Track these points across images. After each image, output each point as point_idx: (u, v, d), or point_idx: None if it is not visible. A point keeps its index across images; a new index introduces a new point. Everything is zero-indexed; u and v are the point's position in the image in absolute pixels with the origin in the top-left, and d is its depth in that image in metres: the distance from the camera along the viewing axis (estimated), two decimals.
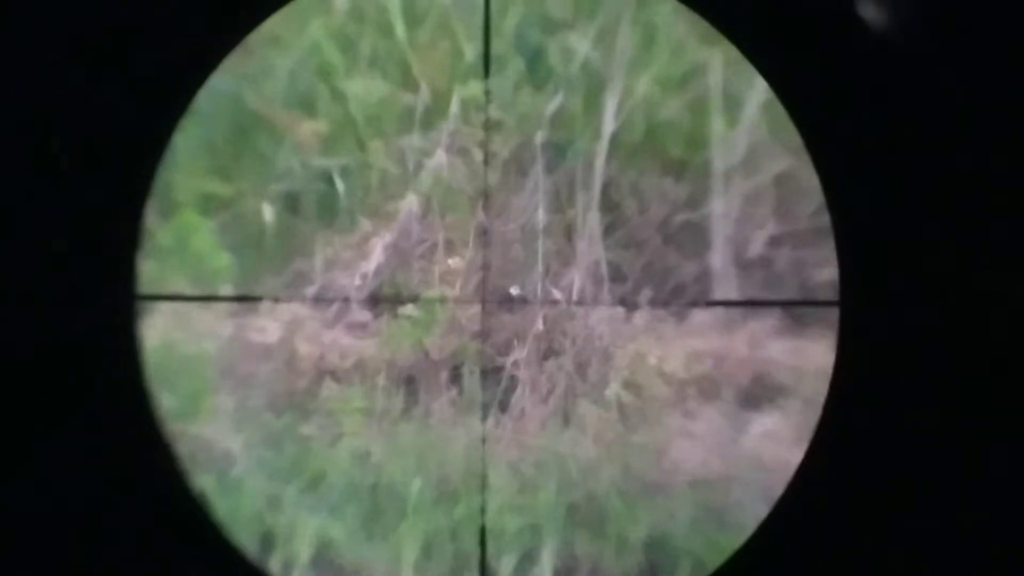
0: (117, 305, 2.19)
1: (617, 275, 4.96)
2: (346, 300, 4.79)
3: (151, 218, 4.88)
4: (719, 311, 4.97)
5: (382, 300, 4.94)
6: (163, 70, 2.11)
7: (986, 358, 2.08)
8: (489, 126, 4.21)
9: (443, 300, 4.65)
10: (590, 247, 4.95)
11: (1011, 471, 2.06)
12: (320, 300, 4.92)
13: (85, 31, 2.12)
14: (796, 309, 4.94)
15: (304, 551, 4.93)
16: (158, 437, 2.23)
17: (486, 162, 3.99)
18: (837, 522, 2.22)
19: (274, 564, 4.95)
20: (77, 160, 2.11)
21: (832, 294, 4.76)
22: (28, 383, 2.10)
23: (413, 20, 5.07)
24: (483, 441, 3.73)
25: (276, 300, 4.94)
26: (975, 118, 2.07)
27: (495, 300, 4.68)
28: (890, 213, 2.14)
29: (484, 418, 3.88)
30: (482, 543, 4.35)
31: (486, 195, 4.08)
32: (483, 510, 4.03)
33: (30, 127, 2.11)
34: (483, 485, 4.06)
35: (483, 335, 4.74)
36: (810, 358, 4.87)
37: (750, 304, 5.07)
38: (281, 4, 2.21)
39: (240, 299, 5.04)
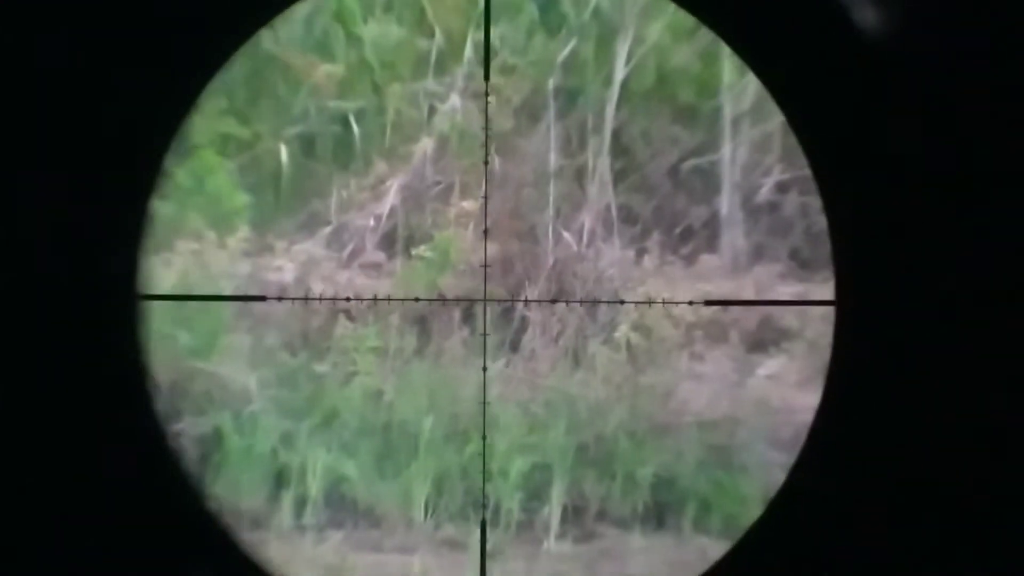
0: (118, 304, 2.23)
1: (627, 218, 5.05)
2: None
3: (169, 159, 4.97)
4: (727, 255, 5.07)
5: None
6: (169, 68, 2.17)
7: (985, 358, 2.14)
8: (490, 74, 4.25)
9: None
10: (600, 191, 5.04)
11: (1010, 471, 2.12)
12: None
13: (86, 30, 2.17)
14: (801, 253, 5.04)
15: (317, 488, 5.02)
16: (159, 437, 2.27)
17: (486, 123, 4.04)
18: (830, 525, 2.29)
19: (287, 500, 5.05)
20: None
21: None
22: (27, 382, 2.15)
23: None
24: (483, 387, 3.80)
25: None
26: (974, 116, 2.13)
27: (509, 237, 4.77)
28: (887, 212, 2.19)
29: (484, 401, 3.95)
30: (483, 490, 4.46)
31: (487, 141, 4.13)
32: (484, 453, 4.14)
33: (31, 125, 2.16)
34: (484, 423, 4.14)
35: (496, 275, 4.82)
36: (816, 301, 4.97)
37: (749, 304, 5.17)
38: None
39: (244, 299, 5.12)
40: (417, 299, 4.98)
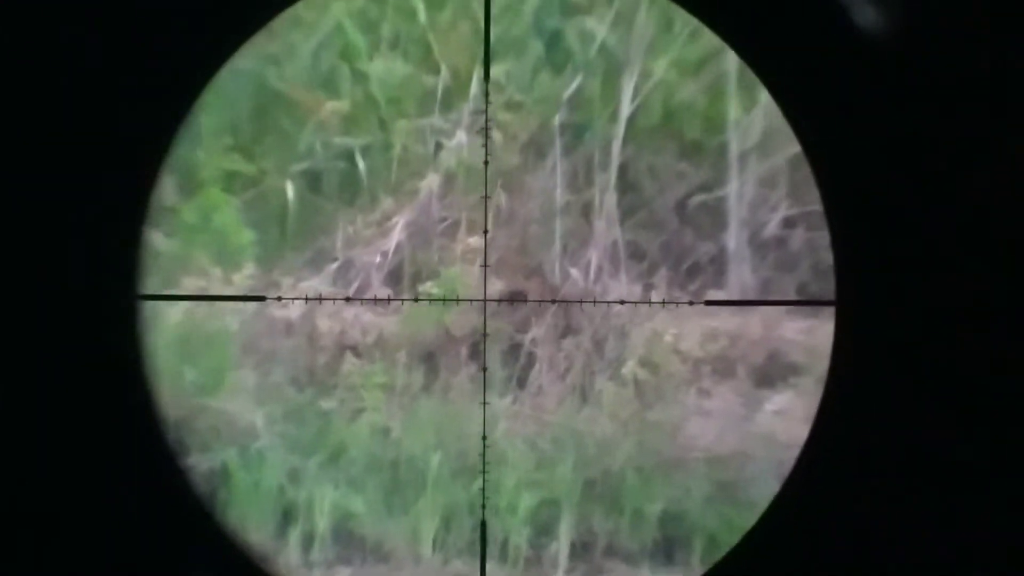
0: (118, 305, 2.21)
1: (635, 254, 5.05)
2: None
3: (174, 196, 4.96)
4: (734, 291, 5.06)
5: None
6: (170, 65, 2.15)
7: (984, 358, 2.14)
8: (491, 114, 4.23)
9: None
10: (607, 227, 5.03)
11: (1010, 471, 2.12)
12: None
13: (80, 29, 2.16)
14: (809, 288, 5.03)
15: (325, 524, 5.01)
16: (159, 435, 2.26)
17: (486, 147, 4.02)
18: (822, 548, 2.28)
19: (294, 537, 5.04)
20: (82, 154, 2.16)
21: None
22: (27, 382, 2.14)
23: (434, 3, 5.15)
24: (483, 423, 3.78)
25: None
26: (974, 116, 2.13)
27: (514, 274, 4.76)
28: (887, 213, 2.19)
29: (484, 401, 3.94)
30: (483, 529, 4.44)
31: (486, 175, 4.10)
32: (484, 484, 4.11)
33: (31, 124, 2.15)
34: (484, 422, 4.11)
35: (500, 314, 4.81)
36: (823, 337, 4.96)
37: (748, 303, 5.15)
38: None
39: (244, 299, 5.10)
40: (417, 299, 4.97)
